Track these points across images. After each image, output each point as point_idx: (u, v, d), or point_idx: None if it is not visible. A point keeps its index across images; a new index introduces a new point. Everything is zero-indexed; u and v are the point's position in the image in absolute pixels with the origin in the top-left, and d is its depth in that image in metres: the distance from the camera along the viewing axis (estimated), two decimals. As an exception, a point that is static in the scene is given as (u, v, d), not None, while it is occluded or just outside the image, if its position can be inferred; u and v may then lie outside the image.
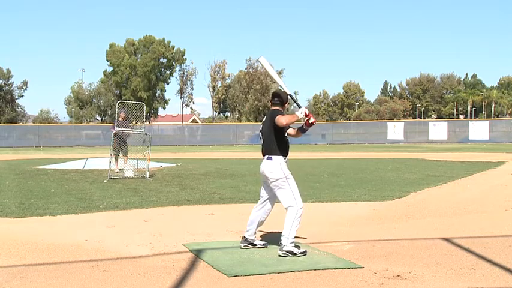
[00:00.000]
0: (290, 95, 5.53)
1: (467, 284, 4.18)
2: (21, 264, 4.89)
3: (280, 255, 5.10)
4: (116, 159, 14.45)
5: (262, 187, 5.57)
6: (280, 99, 5.45)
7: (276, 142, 5.31)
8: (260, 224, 5.56)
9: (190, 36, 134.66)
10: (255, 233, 5.58)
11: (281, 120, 5.16)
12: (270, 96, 5.64)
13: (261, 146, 5.51)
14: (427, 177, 13.32)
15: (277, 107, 5.43)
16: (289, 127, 5.51)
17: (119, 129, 13.82)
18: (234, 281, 4.32)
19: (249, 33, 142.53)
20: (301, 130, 5.52)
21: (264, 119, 5.52)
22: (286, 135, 5.42)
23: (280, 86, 5.56)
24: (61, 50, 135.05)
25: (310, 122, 5.33)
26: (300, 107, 5.39)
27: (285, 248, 5.11)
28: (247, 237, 5.52)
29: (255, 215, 5.54)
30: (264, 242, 5.60)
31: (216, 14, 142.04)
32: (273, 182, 5.28)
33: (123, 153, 14.38)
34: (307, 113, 5.28)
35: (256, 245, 5.52)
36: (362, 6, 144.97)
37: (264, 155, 5.41)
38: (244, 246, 5.49)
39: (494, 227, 6.70)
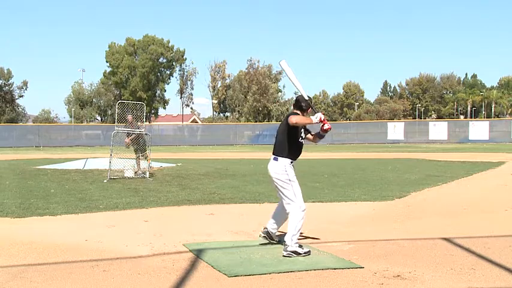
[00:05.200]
0: (307, 101, 5.47)
1: (467, 284, 4.18)
2: (21, 264, 4.89)
3: (284, 256, 5.11)
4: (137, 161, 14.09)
5: None
6: (300, 104, 5.44)
7: (286, 144, 5.33)
8: (283, 220, 5.56)
9: (190, 36, 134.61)
10: (277, 229, 5.66)
11: (292, 119, 5.20)
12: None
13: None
14: (427, 177, 13.32)
15: (296, 111, 5.46)
16: (309, 133, 5.60)
17: (119, 129, 13.80)
18: (234, 281, 4.32)
19: (249, 33, 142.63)
20: (318, 135, 5.57)
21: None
22: (300, 139, 5.44)
23: (298, 91, 5.54)
24: (61, 50, 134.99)
25: (325, 128, 5.32)
26: (316, 112, 5.35)
27: (289, 249, 5.12)
28: (269, 229, 5.61)
29: (277, 211, 5.63)
30: (279, 239, 5.61)
31: (216, 14, 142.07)
32: (277, 182, 5.34)
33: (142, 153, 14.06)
34: (322, 119, 5.25)
35: (273, 239, 5.60)
36: (362, 5, 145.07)
37: (272, 154, 5.44)
38: (263, 237, 5.61)
39: (494, 227, 6.70)
